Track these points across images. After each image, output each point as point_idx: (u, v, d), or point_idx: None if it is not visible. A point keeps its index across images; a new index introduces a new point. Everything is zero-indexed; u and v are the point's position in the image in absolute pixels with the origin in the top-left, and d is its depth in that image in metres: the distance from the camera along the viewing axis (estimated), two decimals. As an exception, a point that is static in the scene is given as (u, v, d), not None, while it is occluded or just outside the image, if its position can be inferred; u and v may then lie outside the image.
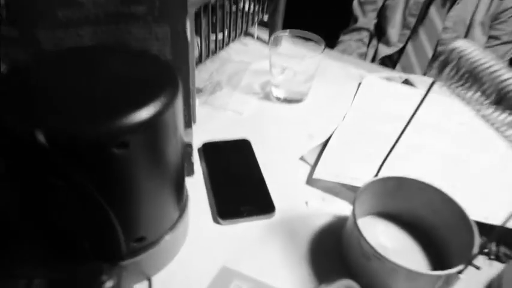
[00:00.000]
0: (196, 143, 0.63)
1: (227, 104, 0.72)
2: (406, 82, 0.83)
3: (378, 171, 0.51)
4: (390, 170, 0.58)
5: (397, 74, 0.86)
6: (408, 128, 0.46)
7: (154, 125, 0.35)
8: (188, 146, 0.54)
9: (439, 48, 1.22)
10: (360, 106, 0.74)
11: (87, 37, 0.42)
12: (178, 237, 0.48)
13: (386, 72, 0.88)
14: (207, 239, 0.50)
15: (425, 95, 0.42)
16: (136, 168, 0.36)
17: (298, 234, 0.52)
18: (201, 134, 0.66)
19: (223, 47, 0.81)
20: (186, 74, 0.48)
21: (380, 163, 0.50)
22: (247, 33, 0.93)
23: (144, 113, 0.34)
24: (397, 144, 0.48)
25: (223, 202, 0.54)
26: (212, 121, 0.69)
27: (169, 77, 0.39)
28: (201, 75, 0.79)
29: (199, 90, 0.74)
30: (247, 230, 0.52)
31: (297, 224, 0.53)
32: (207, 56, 0.76)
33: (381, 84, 0.81)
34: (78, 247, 0.40)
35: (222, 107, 0.72)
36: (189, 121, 0.52)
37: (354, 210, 0.46)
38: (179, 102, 0.38)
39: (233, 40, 0.84)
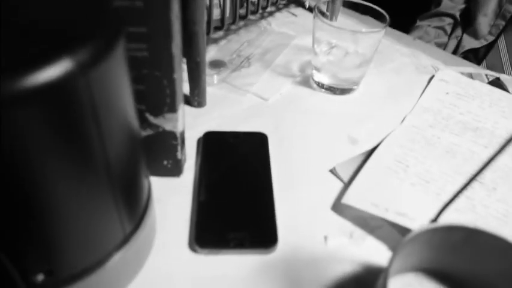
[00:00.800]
0: (200, 132, 0.48)
1: (251, 86, 0.56)
2: (495, 83, 0.63)
3: (440, 213, 0.33)
4: (457, 212, 0.40)
5: (484, 71, 0.66)
6: (504, 151, 0.28)
7: (47, 96, 0.20)
8: (170, 137, 0.39)
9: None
10: (428, 108, 0.56)
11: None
12: (125, 266, 0.33)
13: (470, 67, 0.68)
14: (174, 271, 0.35)
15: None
16: (15, 168, 0.21)
17: (304, 284, 0.35)
18: (210, 121, 0.50)
19: (257, 11, 0.65)
20: (166, 35, 0.33)
21: (445, 200, 0.33)
22: (298, 2, 0.76)
23: (31, 78, 0.19)
24: (480, 175, 0.30)
25: (206, 223, 0.38)
26: (227, 106, 0.53)
27: (101, 26, 0.24)
28: (229, 46, 0.63)
29: (222, 64, 0.58)
30: (233, 265, 0.36)
31: (305, 268, 0.37)
32: (233, 21, 0.59)
33: (460, 81, 0.61)
34: None
35: (243, 89, 0.56)
36: (172, 103, 0.37)
37: (389, 265, 0.30)
38: (111, 66, 0.23)
39: (275, 4, 0.67)
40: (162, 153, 0.40)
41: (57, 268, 0.28)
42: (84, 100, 0.22)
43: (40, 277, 0.27)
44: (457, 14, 1.12)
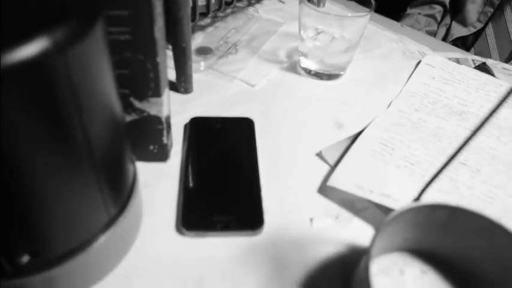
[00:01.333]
0: (186, 118, 0.48)
1: (238, 72, 0.56)
2: (482, 68, 0.63)
3: (422, 192, 0.33)
4: (440, 192, 0.41)
5: (471, 56, 0.66)
6: (480, 131, 0.29)
7: (24, 74, 0.20)
8: (155, 121, 0.39)
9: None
10: (414, 92, 0.56)
11: None
12: (111, 249, 0.33)
13: (457, 52, 0.68)
14: (161, 254, 0.36)
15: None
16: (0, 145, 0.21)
17: (290, 265, 0.36)
18: (197, 107, 0.50)
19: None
20: (148, 17, 0.33)
21: (427, 179, 0.33)
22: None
23: (8, 55, 0.19)
24: (459, 154, 0.31)
25: (193, 206, 0.38)
26: (214, 92, 0.53)
27: (80, 7, 0.23)
28: (216, 33, 0.63)
29: (209, 51, 0.58)
30: (220, 248, 0.37)
31: (291, 250, 0.37)
32: (219, 7, 0.59)
33: (446, 66, 0.62)
34: None
35: (230, 75, 0.56)
36: (156, 88, 0.37)
37: (371, 244, 0.30)
38: (90, 46, 0.23)
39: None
40: (147, 138, 0.40)
41: (42, 249, 0.28)
42: (62, 79, 0.22)
43: (25, 258, 0.27)
44: (447, 2, 1.12)
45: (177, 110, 0.49)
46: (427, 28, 1.13)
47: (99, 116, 0.26)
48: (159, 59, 0.35)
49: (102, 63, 0.25)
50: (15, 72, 0.20)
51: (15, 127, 0.21)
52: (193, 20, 0.54)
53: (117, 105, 0.29)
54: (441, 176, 0.33)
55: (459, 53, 0.67)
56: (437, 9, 1.14)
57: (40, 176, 0.24)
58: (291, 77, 0.58)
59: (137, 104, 0.38)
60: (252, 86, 0.55)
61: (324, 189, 0.42)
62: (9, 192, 0.24)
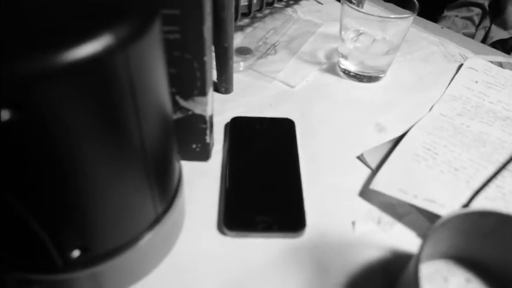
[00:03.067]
0: (227, 117, 0.48)
1: (277, 73, 0.56)
2: (527, 72, 0.61)
3: (471, 199, 0.33)
4: (487, 200, 0.40)
5: (515, 60, 0.65)
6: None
7: (87, 71, 0.21)
8: (199, 120, 0.39)
9: None
10: (456, 96, 0.55)
11: None
12: (156, 246, 0.33)
13: (499, 56, 0.66)
14: (203, 253, 0.36)
15: None
16: (53, 145, 0.22)
17: (332, 268, 0.36)
18: (237, 107, 0.51)
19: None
20: (198, 17, 0.33)
21: (476, 186, 0.32)
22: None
23: (72, 52, 0.20)
24: (511, 162, 0.30)
25: (235, 206, 0.38)
26: (253, 92, 0.53)
27: (139, 5, 0.24)
28: (255, 34, 0.63)
29: (248, 51, 0.58)
30: (261, 249, 0.37)
31: (332, 253, 0.37)
32: (260, 8, 0.59)
33: (490, 70, 0.60)
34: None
35: (269, 76, 0.56)
36: (202, 87, 0.37)
37: (420, 251, 0.29)
38: (149, 43, 0.24)
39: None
40: (191, 137, 0.41)
41: (92, 245, 0.28)
42: (123, 76, 0.22)
43: (76, 253, 0.28)
44: (486, 4, 1.09)
45: (218, 110, 0.49)
46: (464, 31, 1.11)
47: (152, 114, 0.26)
48: (206, 59, 0.35)
49: (158, 61, 0.26)
50: (79, 70, 0.20)
51: (74, 124, 0.22)
52: (235, 20, 0.54)
53: (168, 104, 0.29)
54: (488, 183, 0.32)
55: (501, 57, 0.66)
56: (476, 12, 1.11)
57: (96, 173, 0.24)
58: (330, 78, 0.57)
59: (183, 102, 0.38)
60: (292, 87, 0.54)
61: (366, 193, 0.42)
62: (65, 188, 0.24)
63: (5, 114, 0.19)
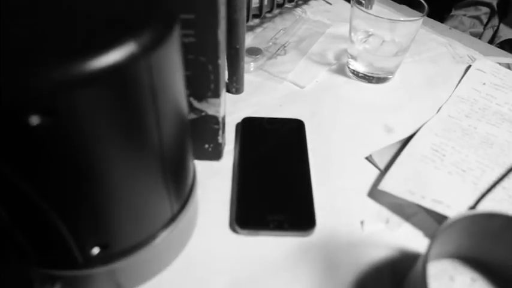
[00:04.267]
0: (237, 118, 0.49)
1: (287, 73, 0.57)
2: (534, 74, 0.62)
3: (478, 201, 0.33)
4: (494, 202, 0.41)
5: (523, 61, 0.65)
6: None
7: (111, 78, 0.21)
8: (212, 121, 0.40)
9: None
10: (464, 98, 0.55)
11: None
12: (171, 244, 0.34)
13: (508, 57, 0.67)
14: (215, 251, 0.37)
15: None
16: (79, 148, 0.23)
17: (341, 267, 0.37)
18: (247, 107, 0.51)
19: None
20: (213, 21, 0.34)
21: (483, 188, 0.33)
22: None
23: (98, 60, 0.21)
24: (516, 166, 0.31)
25: (247, 205, 0.39)
26: (264, 93, 0.54)
27: (159, 12, 0.25)
28: (265, 34, 0.64)
29: (258, 52, 0.59)
30: (272, 247, 0.37)
31: (341, 252, 0.38)
32: (271, 9, 0.60)
33: (498, 72, 0.61)
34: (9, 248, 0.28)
35: (280, 76, 0.56)
36: (216, 89, 0.38)
37: (428, 250, 0.30)
38: (169, 50, 0.25)
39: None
40: (204, 137, 0.42)
41: (111, 242, 0.29)
42: (145, 82, 0.23)
43: (96, 250, 0.29)
44: (494, 3, 1.09)
45: (229, 110, 0.50)
46: (472, 30, 1.11)
47: (171, 117, 0.27)
48: (220, 61, 0.36)
49: (177, 65, 0.26)
50: (104, 77, 0.21)
51: (98, 128, 0.23)
52: (246, 21, 0.55)
53: (185, 106, 0.30)
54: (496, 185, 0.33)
55: (510, 58, 0.66)
56: (483, 11, 1.11)
57: (118, 174, 0.25)
58: (340, 79, 0.58)
59: (196, 104, 0.39)
60: (301, 87, 0.55)
61: (374, 193, 0.42)
62: (88, 189, 0.25)
63: (35, 120, 0.20)
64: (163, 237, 0.32)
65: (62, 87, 0.20)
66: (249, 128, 0.47)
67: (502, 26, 1.08)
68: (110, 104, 0.22)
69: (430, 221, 0.41)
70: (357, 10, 0.53)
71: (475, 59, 0.64)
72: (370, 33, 0.56)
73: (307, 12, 0.70)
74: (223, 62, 0.37)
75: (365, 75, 0.57)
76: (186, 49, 0.35)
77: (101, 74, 0.21)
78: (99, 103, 0.22)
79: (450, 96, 0.56)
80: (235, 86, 0.52)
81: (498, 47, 1.03)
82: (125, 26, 0.23)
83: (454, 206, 0.40)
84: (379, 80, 0.58)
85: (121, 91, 0.22)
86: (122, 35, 0.22)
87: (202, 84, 0.38)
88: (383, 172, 0.44)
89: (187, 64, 0.36)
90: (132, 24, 0.23)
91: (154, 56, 0.23)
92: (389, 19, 0.51)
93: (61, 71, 0.20)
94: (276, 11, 0.67)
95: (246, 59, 0.57)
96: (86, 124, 0.22)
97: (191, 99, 0.39)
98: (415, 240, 0.39)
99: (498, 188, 0.42)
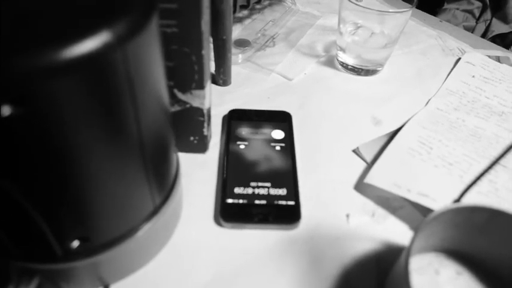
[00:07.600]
0: (225, 110, 0.48)
1: (275, 65, 0.57)
2: (524, 67, 0.62)
3: (463, 195, 0.33)
4: (480, 195, 0.40)
5: (512, 54, 0.65)
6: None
7: (86, 67, 0.21)
8: (197, 113, 0.40)
9: None
10: (453, 91, 0.55)
11: None
12: (154, 237, 0.34)
13: (498, 50, 0.66)
14: (200, 244, 0.37)
15: None
16: (53, 139, 0.22)
17: (326, 260, 0.36)
18: (235, 99, 0.51)
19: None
20: (196, 11, 0.33)
21: (468, 181, 0.33)
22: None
23: (72, 49, 0.20)
24: (504, 158, 0.30)
25: (231, 198, 0.39)
26: (252, 84, 0.54)
27: (129, 5, 0.24)
28: (254, 26, 0.63)
29: (247, 43, 0.59)
30: (257, 240, 0.37)
31: (326, 245, 0.37)
32: (259, 0, 0.59)
33: (487, 65, 0.61)
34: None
35: (268, 68, 0.56)
36: (200, 80, 0.37)
37: (411, 243, 0.30)
38: (147, 39, 0.24)
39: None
40: (188, 129, 0.41)
41: (92, 235, 0.29)
42: (121, 72, 0.22)
43: (75, 243, 0.28)
44: (487, -3, 1.09)
45: (216, 102, 0.50)
46: (464, 23, 1.10)
47: (150, 108, 0.27)
48: (204, 52, 0.36)
49: (156, 56, 0.26)
50: (78, 66, 0.20)
51: (73, 118, 0.22)
52: (233, 12, 0.54)
53: (166, 98, 0.30)
54: (481, 178, 0.33)
55: (500, 51, 0.66)
56: (476, 5, 1.11)
57: (95, 165, 0.25)
58: (328, 71, 0.58)
59: (180, 95, 0.38)
60: (290, 79, 0.55)
61: (361, 186, 0.42)
62: (64, 179, 0.25)
63: (6, 110, 0.20)
64: (145, 229, 0.32)
65: (34, 76, 0.19)
66: (236, 120, 0.47)
67: (494, 20, 1.08)
68: (84, 94, 0.22)
69: (416, 214, 0.40)
70: (346, 1, 0.52)
71: (464, 52, 0.64)
72: (359, 25, 0.55)
73: (296, 3, 0.70)
74: (207, 53, 0.37)
75: (354, 67, 0.57)
76: (169, 39, 0.35)
77: (74, 64, 0.20)
78: (73, 93, 0.21)
79: (439, 89, 0.55)
80: (222, 77, 0.51)
81: (490, 41, 1.03)
82: (101, 15, 0.22)
83: (440, 199, 0.39)
84: (368, 72, 0.57)
85: (95, 81, 0.22)
86: (97, 23, 0.21)
87: (186, 76, 0.37)
88: (370, 165, 0.44)
89: (171, 55, 0.36)
90: (109, 13, 0.22)
91: (131, 46, 0.22)
92: (378, 11, 0.51)
93: (32, 60, 0.19)
94: (265, 2, 0.67)
95: (234, 50, 0.57)
96: (59, 114, 0.21)
97: (175, 90, 0.38)
98: (400, 234, 0.39)
99: (484, 181, 0.42)
